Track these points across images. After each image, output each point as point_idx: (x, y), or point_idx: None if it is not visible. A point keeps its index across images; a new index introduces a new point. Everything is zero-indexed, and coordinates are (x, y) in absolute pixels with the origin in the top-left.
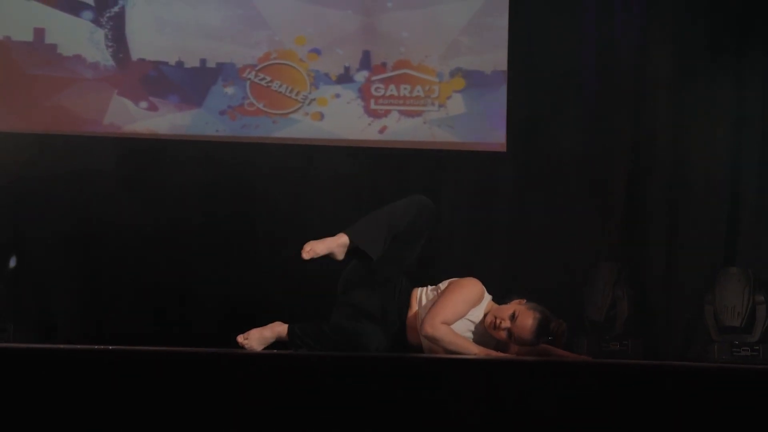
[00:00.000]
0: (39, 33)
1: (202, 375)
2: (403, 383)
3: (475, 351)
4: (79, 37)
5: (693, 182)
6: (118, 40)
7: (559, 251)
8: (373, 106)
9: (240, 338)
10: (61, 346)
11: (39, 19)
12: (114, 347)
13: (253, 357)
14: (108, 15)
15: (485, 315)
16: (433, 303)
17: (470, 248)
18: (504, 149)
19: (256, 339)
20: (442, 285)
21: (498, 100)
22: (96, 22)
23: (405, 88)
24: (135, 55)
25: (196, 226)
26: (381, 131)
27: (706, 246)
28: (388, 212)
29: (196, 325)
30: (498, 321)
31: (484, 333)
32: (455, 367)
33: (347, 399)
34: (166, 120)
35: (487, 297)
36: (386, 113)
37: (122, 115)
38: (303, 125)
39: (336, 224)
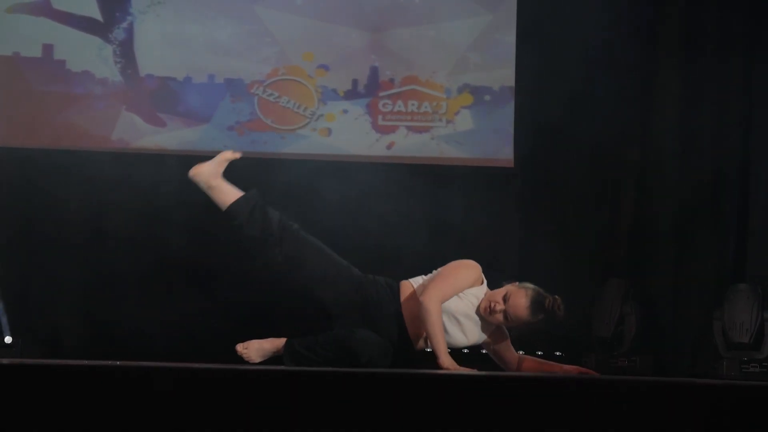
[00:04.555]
0: (47, 49)
1: (208, 390)
2: (402, 399)
3: (444, 351)
4: (87, 53)
5: (701, 197)
6: (126, 55)
7: (566, 267)
8: (380, 122)
9: (239, 347)
10: (69, 361)
11: (47, 35)
12: (121, 362)
13: (258, 373)
14: (117, 30)
15: (480, 302)
16: (434, 276)
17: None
18: (512, 165)
19: (255, 350)
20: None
21: (506, 116)
22: (104, 37)
23: (413, 104)
24: (143, 70)
25: (204, 241)
26: (389, 147)
27: (715, 262)
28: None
29: (203, 339)
30: (492, 304)
31: (481, 320)
32: (458, 383)
33: (346, 415)
34: (174, 136)
35: (485, 284)
36: (394, 129)
37: (130, 131)
38: (311, 141)
39: (344, 239)
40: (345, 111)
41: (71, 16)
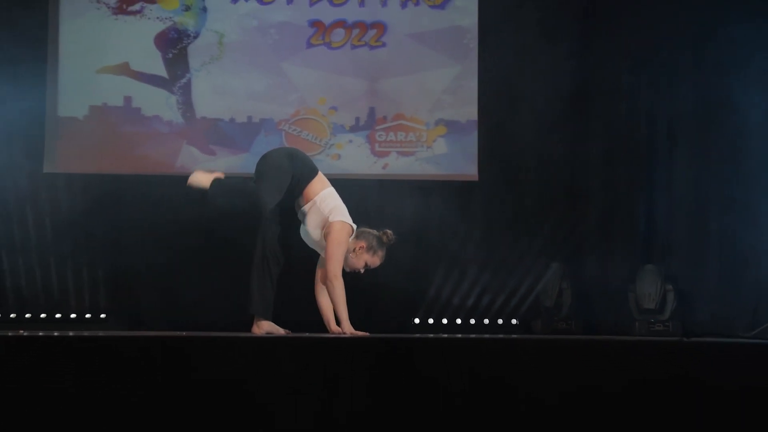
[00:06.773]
0: (128, 99)
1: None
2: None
3: (346, 319)
4: (157, 102)
5: (620, 202)
6: (186, 103)
7: (519, 255)
8: (377, 148)
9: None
10: (145, 333)
11: (127, 89)
12: (187, 333)
13: (262, 341)
14: (179, 85)
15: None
16: (327, 252)
17: (452, 252)
18: (476, 179)
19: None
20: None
21: (471, 142)
22: (169, 90)
23: (401, 135)
24: (199, 114)
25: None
26: (384, 167)
27: (630, 248)
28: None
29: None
30: (356, 270)
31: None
32: (444, 347)
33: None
34: (222, 162)
35: (353, 228)
36: (387, 154)
37: (190, 160)
38: (325, 164)
39: None
40: (350, 141)
41: (145, 74)
